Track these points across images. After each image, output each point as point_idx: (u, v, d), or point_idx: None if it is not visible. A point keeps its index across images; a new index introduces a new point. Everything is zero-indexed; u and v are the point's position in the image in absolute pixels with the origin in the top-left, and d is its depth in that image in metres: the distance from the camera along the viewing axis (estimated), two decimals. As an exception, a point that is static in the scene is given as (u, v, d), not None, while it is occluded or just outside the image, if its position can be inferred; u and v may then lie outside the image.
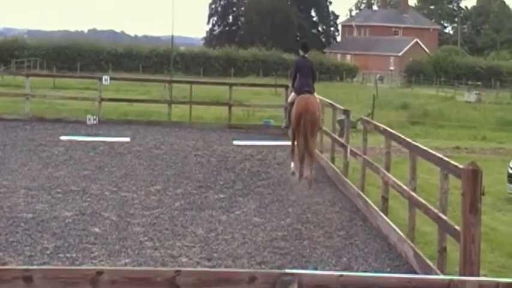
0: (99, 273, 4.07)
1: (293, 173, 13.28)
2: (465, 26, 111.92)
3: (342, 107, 14.57)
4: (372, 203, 10.55)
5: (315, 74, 13.82)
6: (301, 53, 13.87)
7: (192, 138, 18.35)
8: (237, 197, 11.62)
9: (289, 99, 13.98)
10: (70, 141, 16.92)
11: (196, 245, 8.73)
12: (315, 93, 13.48)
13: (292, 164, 13.44)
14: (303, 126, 12.82)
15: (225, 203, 11.09)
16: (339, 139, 14.28)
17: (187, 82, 25.43)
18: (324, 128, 15.82)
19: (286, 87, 22.41)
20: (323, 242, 9.15)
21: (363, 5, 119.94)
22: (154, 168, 13.83)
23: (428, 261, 7.90)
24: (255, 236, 9.29)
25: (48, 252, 8.17)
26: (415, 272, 7.99)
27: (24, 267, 4.58)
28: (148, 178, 12.79)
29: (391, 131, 10.72)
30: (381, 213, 9.97)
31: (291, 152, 13.74)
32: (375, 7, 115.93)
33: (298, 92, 13.21)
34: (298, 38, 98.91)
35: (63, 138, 17.37)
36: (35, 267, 5.64)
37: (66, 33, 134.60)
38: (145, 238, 8.92)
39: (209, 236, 9.19)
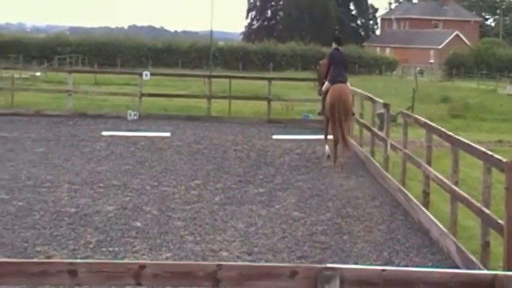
0: (142, 267, 4.12)
1: (328, 156, 14.65)
2: (507, 18, 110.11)
3: (382, 101, 14.48)
4: (412, 197, 10.47)
5: (347, 64, 15.00)
6: (334, 45, 14.89)
7: (232, 133, 18.40)
8: (277, 191, 11.63)
9: (324, 88, 14.84)
10: (111, 136, 17.11)
11: (237, 240, 8.77)
12: (348, 83, 14.54)
13: (327, 147, 14.83)
14: (336, 113, 14.02)
15: (264, 198, 11.11)
16: (379, 133, 14.19)
17: (227, 77, 25.50)
18: (364, 121, 15.76)
19: (326, 81, 22.33)
20: (363, 237, 9.12)
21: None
22: (194, 163, 13.91)
23: (472, 256, 7.82)
24: (295, 230, 9.30)
25: (91, 246, 8.28)
26: (457, 267, 7.91)
27: (69, 260, 4.65)
28: (188, 173, 12.88)
29: (432, 124, 10.62)
30: (422, 208, 9.89)
31: (324, 137, 15.17)
32: (414, 0, 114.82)
33: (332, 82, 14.34)
34: (336, 32, 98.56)
35: (104, 133, 17.57)
36: (79, 260, 5.73)
37: (107, 29, 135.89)
38: (186, 232, 8.98)
39: (249, 230, 9.22)
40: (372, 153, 14.36)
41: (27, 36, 78.12)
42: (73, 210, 9.81)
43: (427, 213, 9.65)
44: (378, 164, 13.37)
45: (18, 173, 12.12)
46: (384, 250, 8.60)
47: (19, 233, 8.63)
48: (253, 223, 9.55)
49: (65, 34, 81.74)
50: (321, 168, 13.88)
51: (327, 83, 14.54)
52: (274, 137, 18.21)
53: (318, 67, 16.66)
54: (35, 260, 7.40)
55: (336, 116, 14.00)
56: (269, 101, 21.66)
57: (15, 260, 7.28)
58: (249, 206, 10.47)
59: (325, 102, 14.52)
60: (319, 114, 16.23)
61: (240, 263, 7.49)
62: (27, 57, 63.71)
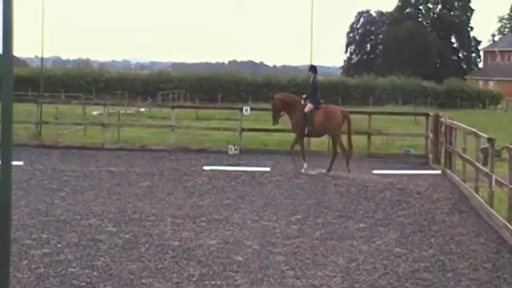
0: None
1: (304, 173, 17.24)
2: None
3: (486, 135, 14.17)
4: (519, 235, 10.16)
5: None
6: (313, 74, 18.14)
7: (332, 168, 18.38)
8: (378, 226, 11.53)
9: (307, 109, 17.80)
10: (213, 170, 17.43)
11: (337, 275, 8.74)
12: None
13: (305, 165, 17.65)
14: (346, 126, 17.73)
15: (365, 233, 11.03)
16: (483, 168, 13.88)
17: (326, 111, 25.44)
18: (467, 156, 15.46)
19: (427, 115, 22.07)
20: (468, 274, 8.91)
21: (507, 30, 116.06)
22: (295, 198, 13.97)
23: None
24: (397, 266, 9.19)
25: (194, 279, 8.43)
26: None
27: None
28: (288, 207, 12.94)
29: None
30: (530, 246, 9.57)
31: (303, 155, 18.04)
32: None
33: (316, 104, 17.85)
34: (437, 65, 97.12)
35: (206, 168, 17.92)
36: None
37: (208, 65, 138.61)
38: (287, 267, 9.02)
39: (350, 266, 9.17)
40: (476, 189, 14.04)
41: (132, 72, 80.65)
42: (176, 243, 10.04)
43: (535, 251, 9.34)
44: (482, 200, 13.06)
45: (125, 207, 12.52)
46: (489, 289, 8.37)
47: (126, 265, 8.89)
48: (354, 259, 9.50)
49: (168, 70, 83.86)
50: (423, 204, 13.67)
51: (310, 105, 17.77)
52: (375, 171, 18.09)
53: (273, 100, 18.29)
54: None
55: (346, 129, 17.73)
56: (369, 135, 21.55)
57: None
58: (349, 242, 10.42)
59: (316, 121, 17.65)
60: (307, 135, 18.40)
61: (341, 299, 7.46)
62: (132, 93, 65.81)
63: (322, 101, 18.19)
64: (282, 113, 18.34)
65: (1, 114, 4.07)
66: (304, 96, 18.35)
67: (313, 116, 17.75)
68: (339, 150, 17.97)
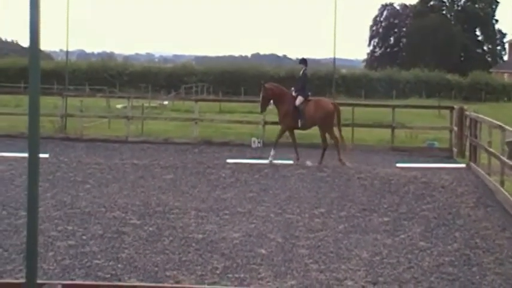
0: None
1: (271, 161, 17.49)
2: None
3: (511, 129, 14.05)
4: (545, 229, 10.07)
5: None
6: (304, 67, 18.47)
7: (355, 161, 18.33)
8: (402, 220, 11.49)
9: (298, 103, 17.96)
10: (236, 163, 17.45)
11: (361, 269, 8.72)
12: None
13: (272, 152, 17.65)
14: (336, 119, 17.81)
15: (389, 227, 11.00)
16: (508, 162, 13.77)
17: (349, 104, 25.44)
18: (492, 150, 15.34)
19: (451, 108, 21.92)
20: (493, 269, 8.85)
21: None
22: (318, 191, 13.96)
23: None
24: (421, 260, 9.15)
25: (217, 272, 8.46)
26: None
27: (198, 286, 4.80)
28: (312, 201, 12.93)
29: None
30: (556, 240, 9.48)
31: (275, 143, 18.04)
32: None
33: (306, 97, 18.04)
34: (462, 58, 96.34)
35: (229, 161, 17.95)
36: (208, 287, 5.88)
37: (231, 58, 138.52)
38: (311, 260, 9.02)
39: (374, 259, 9.15)
40: (502, 182, 13.94)
41: (155, 66, 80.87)
42: (200, 236, 10.07)
43: (562, 246, 9.25)
44: (507, 194, 12.96)
45: (149, 199, 12.58)
46: (515, 284, 8.31)
47: (150, 257, 8.94)
48: (378, 252, 9.47)
49: (191, 63, 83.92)
50: (447, 198, 13.60)
51: (300, 98, 17.95)
52: (398, 165, 18.02)
53: (264, 89, 18.48)
54: (166, 284, 7.68)
55: (336, 121, 17.85)
56: (393, 128, 21.46)
57: (148, 284, 7.59)
58: (373, 235, 10.40)
59: (307, 114, 17.75)
60: (302, 128, 18.37)
61: (365, 292, 7.45)
62: (155, 86, 66.02)
63: (310, 93, 18.40)
64: (271, 105, 18.49)
65: (28, 107, 4.11)
66: (293, 88, 18.52)
67: (304, 108, 17.92)
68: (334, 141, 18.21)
